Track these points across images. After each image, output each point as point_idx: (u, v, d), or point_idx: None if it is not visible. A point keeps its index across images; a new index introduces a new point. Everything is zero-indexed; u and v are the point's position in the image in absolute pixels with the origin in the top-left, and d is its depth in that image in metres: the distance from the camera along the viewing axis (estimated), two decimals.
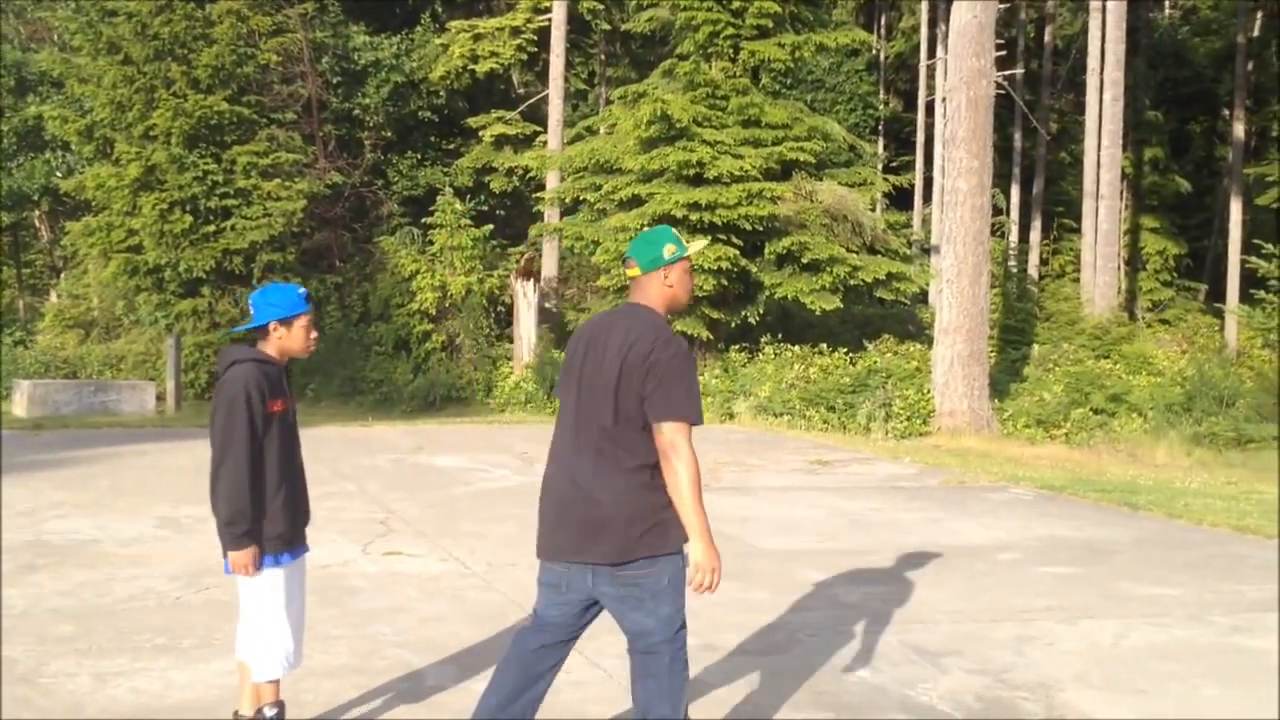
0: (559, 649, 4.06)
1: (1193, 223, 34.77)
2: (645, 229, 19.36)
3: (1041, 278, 32.03)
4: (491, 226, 24.22)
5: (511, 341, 21.62)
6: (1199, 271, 34.50)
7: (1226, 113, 34.94)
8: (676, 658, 3.88)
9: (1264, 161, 33.59)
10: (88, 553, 7.84)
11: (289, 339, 4.27)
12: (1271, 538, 9.46)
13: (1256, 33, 33.80)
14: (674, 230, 4.08)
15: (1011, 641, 6.23)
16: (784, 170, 21.16)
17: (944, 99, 17.55)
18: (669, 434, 3.70)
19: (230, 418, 4.09)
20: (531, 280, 21.18)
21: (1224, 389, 17.16)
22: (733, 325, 20.81)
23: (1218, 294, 31.06)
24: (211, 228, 21.12)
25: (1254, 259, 20.07)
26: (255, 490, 4.10)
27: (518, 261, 22.07)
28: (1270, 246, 19.18)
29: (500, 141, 27.61)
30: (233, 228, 21.17)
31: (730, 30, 21.14)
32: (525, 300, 20.99)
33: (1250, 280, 22.56)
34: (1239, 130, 31.46)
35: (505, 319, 22.32)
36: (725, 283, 19.88)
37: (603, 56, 31.72)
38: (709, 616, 6.50)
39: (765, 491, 11.43)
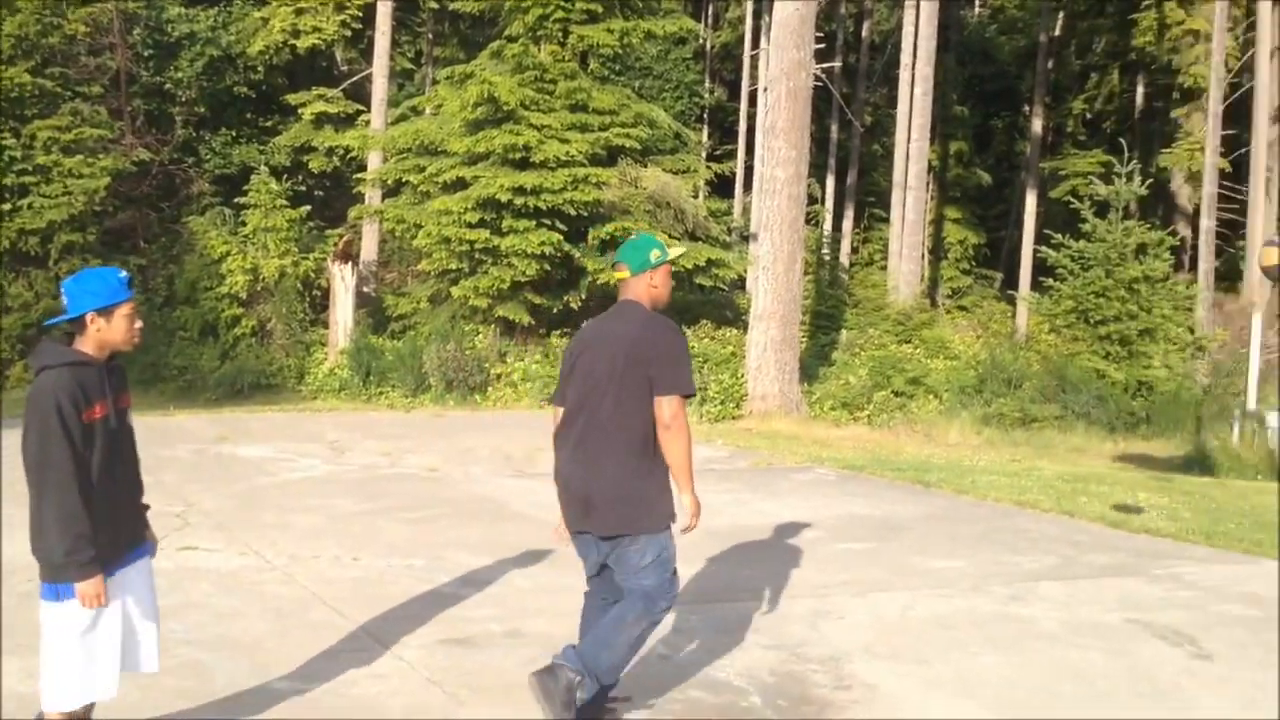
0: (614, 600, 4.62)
1: (992, 214, 36.50)
2: (467, 212, 18.95)
3: (852, 265, 33.13)
4: (309, 208, 23.61)
5: (327, 327, 21.18)
6: (996, 260, 36.23)
7: (1027, 109, 36.72)
8: (645, 616, 4.46)
9: (1059, 156, 35.47)
10: None
11: (108, 331, 3.86)
12: (1048, 511, 10.08)
13: (1057, 32, 35.60)
14: (657, 237, 4.59)
15: (807, 616, 6.49)
16: (610, 156, 21.26)
17: (765, 89, 17.97)
18: (669, 406, 4.31)
19: (43, 440, 3.66)
20: (350, 264, 20.80)
21: (1013, 372, 18.14)
22: (555, 311, 20.86)
23: (1012, 282, 32.67)
24: (7, 206, 20.09)
25: (1045, 249, 21.17)
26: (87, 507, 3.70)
27: (336, 244, 21.62)
28: (1059, 237, 20.27)
29: (321, 120, 26.96)
30: (29, 206, 20.18)
31: (560, 14, 21.12)
32: (343, 284, 20.61)
33: (1040, 269, 23.80)
34: (1037, 126, 33.09)
35: (321, 304, 21.84)
36: (549, 268, 19.92)
37: (430, 35, 31.29)
38: (518, 604, 6.60)
39: None
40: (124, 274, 3.95)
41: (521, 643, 5.87)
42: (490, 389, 19.05)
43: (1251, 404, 14.62)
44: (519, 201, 19.35)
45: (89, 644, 3.86)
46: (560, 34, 21.49)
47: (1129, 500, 10.57)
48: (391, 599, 6.61)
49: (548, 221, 19.65)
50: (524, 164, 19.84)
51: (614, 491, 4.38)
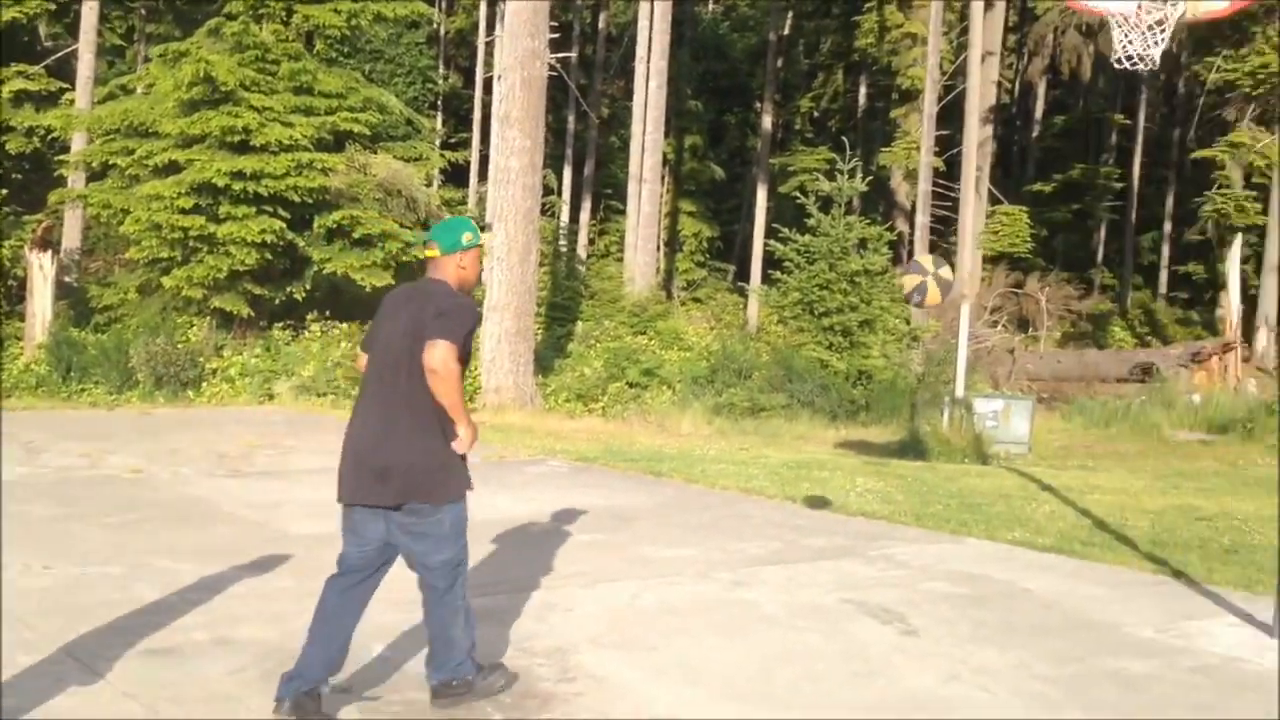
0: (363, 589, 4.69)
1: (725, 207, 37.61)
2: (180, 198, 17.96)
3: (589, 257, 33.38)
4: (5, 192, 21.85)
5: (23, 320, 19.53)
6: (729, 253, 37.35)
7: (758, 105, 37.96)
8: (455, 588, 4.60)
9: (788, 153, 36.88)
10: None
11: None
12: (772, 498, 10.35)
13: (786, 31, 36.94)
14: (470, 220, 4.77)
15: (535, 609, 6.37)
16: (337, 141, 20.64)
17: (499, 77, 17.80)
18: (436, 351, 4.27)
19: None
20: (49, 251, 19.21)
21: (743, 362, 18.65)
22: (277, 302, 20.02)
23: (744, 274, 33.75)
24: None
25: (773, 242, 21.88)
26: None
27: (34, 231, 19.99)
28: (786, 231, 20.97)
29: (20, 98, 24.97)
30: None
31: None
32: (41, 273, 19.04)
33: (770, 262, 24.58)
34: (767, 122, 34.26)
35: (18, 294, 20.16)
36: (270, 257, 19.10)
37: (143, 11, 29.48)
38: (227, 610, 6.19)
39: (302, 474, 11.06)
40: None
41: (229, 651, 5.50)
42: (205, 384, 18.02)
43: (960, 391, 15.52)
44: (238, 187, 18.52)
45: None
46: (284, 13, 20.70)
47: (848, 485, 10.98)
48: (85, 609, 6.07)
49: (269, 208, 18.89)
50: (244, 147, 18.99)
51: (412, 460, 4.43)
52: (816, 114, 40.21)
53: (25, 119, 24.43)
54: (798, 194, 22.35)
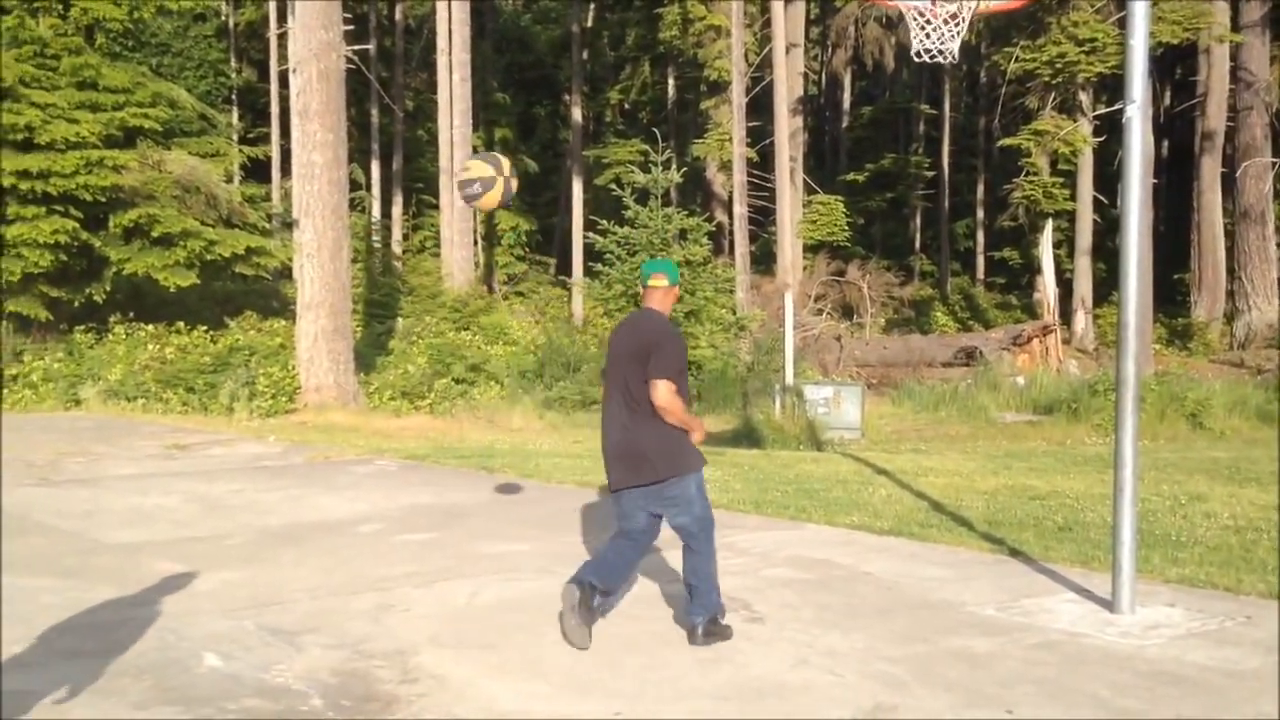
0: (635, 551, 5.82)
1: (542, 200, 37.46)
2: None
3: (405, 252, 32.78)
4: None
5: None
6: (549, 246, 37.24)
7: (567, 97, 37.90)
8: (708, 540, 5.65)
9: (601, 145, 36.96)
10: None
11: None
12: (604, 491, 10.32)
13: (590, 23, 36.97)
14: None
15: (370, 612, 6.19)
16: (128, 138, 19.79)
17: (294, 70, 17.24)
18: (660, 390, 5.46)
19: None
20: None
21: (571, 355, 18.58)
22: (76, 304, 19.04)
23: (565, 267, 33.67)
24: None
25: (593, 234, 21.85)
26: None
27: None
28: (605, 223, 20.96)
29: None
30: None
31: None
32: None
33: (591, 254, 24.56)
34: (578, 114, 34.23)
35: None
36: (66, 258, 18.17)
37: None
38: (44, 622, 5.82)
39: (114, 481, 10.53)
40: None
41: (44, 663, 5.19)
42: (5, 391, 17.05)
43: (789, 379, 15.78)
44: (25, 186, 17.63)
45: None
46: (61, 6, 19.73)
47: None
48: None
49: (60, 208, 18.01)
50: (28, 145, 18.08)
51: (657, 446, 5.53)
52: (627, 106, 40.42)
53: None
54: (613, 186, 22.31)
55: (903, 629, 5.89)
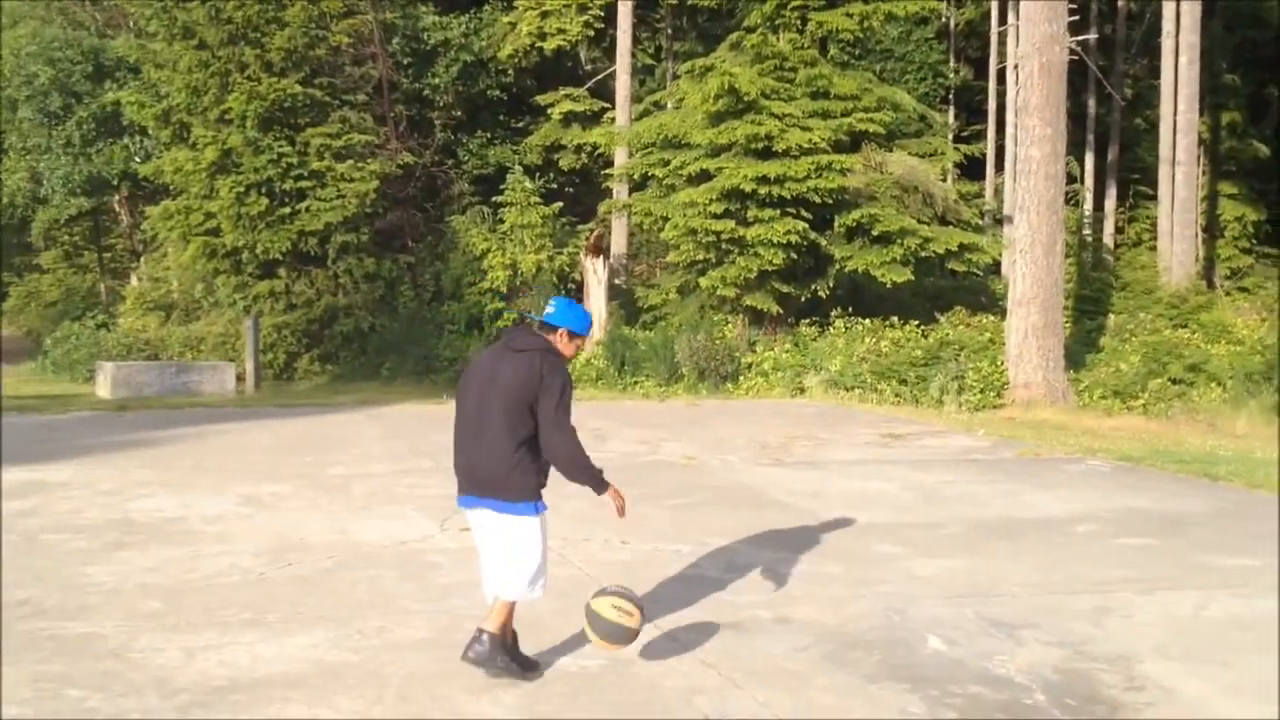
0: None
1: (1273, 188, 33.83)
2: (712, 204, 19.09)
3: (1117, 246, 31.40)
4: (561, 204, 24.33)
5: None
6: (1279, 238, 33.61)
7: None
8: None
9: None
10: (174, 530, 8.06)
11: (564, 346, 5.12)
12: None
13: None
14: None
15: (1089, 613, 6.18)
16: (853, 142, 20.96)
17: (1015, 66, 17.26)
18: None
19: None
20: (601, 257, 21.24)
21: None
22: (803, 299, 20.72)
23: None
24: (287, 210, 21.49)
25: None
26: None
27: (587, 238, 22.12)
28: None
29: (568, 119, 27.65)
30: (308, 209, 21.51)
31: (797, 1, 20.97)
32: (595, 277, 21.07)
33: None
34: None
35: (576, 296, 22.42)
36: (795, 256, 19.79)
37: (669, 31, 31.57)
38: (783, 591, 6.55)
39: (838, 465, 11.41)
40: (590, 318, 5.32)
41: (790, 629, 5.82)
42: (742, 378, 19.12)
43: None
44: (763, 191, 19.32)
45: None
46: (798, 21, 21.35)
47: None
48: (661, 582, 6.67)
49: (792, 210, 19.55)
50: (766, 153, 19.79)
51: None
52: None
53: (574, 137, 27.07)
54: None
55: None
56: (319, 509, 8.82)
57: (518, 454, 4.96)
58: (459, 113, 27.56)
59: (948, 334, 19.05)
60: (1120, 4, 34.24)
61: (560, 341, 5.10)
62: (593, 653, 5.31)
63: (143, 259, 27.93)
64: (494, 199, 24.18)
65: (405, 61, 26.66)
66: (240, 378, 19.55)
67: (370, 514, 8.65)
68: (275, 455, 11.56)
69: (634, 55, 26.94)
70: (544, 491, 5.13)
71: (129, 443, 12.38)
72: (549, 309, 5.14)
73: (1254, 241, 32.14)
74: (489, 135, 28.08)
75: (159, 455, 11.51)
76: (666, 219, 21.01)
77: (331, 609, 6.11)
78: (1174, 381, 17.16)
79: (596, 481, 5.09)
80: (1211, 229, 31.65)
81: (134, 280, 27.76)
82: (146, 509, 8.77)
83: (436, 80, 26.72)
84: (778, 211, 19.51)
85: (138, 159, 25.02)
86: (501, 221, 23.08)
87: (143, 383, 18.44)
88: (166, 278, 25.10)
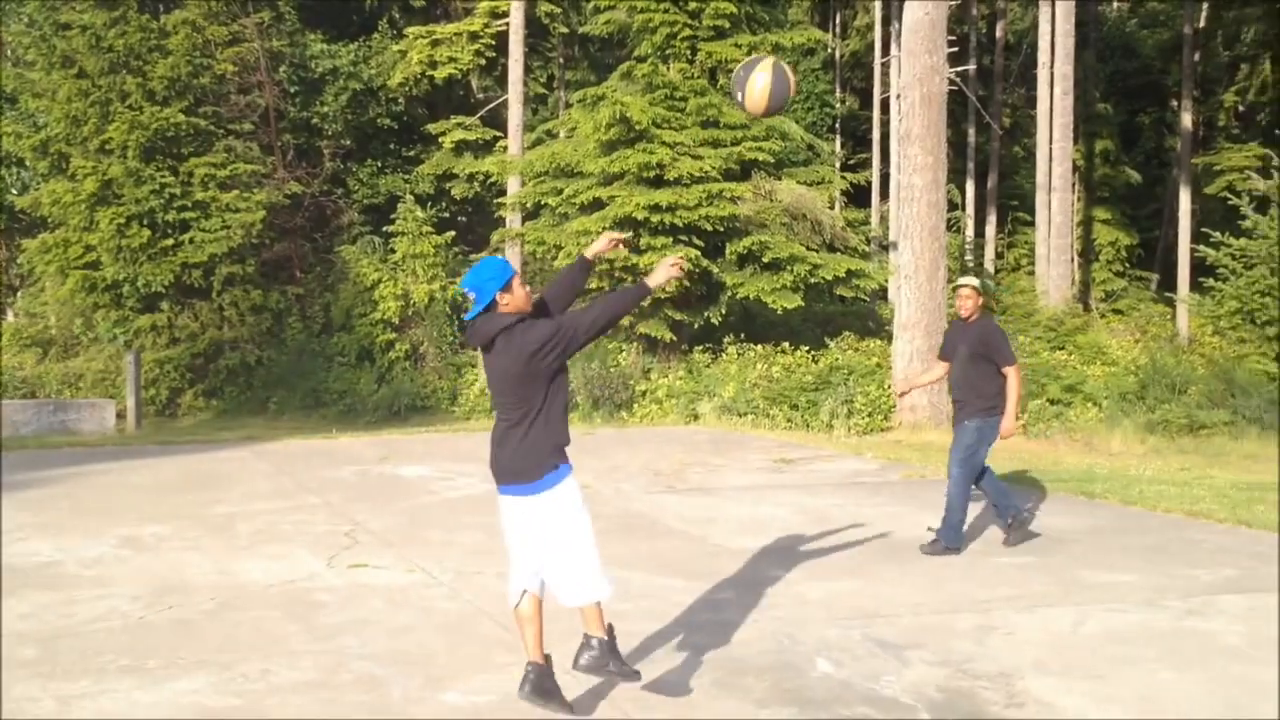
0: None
1: (1144, 213, 35.18)
2: (606, 232, 19.14)
3: (998, 271, 32.32)
4: (454, 233, 24.17)
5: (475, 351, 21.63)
6: (1150, 261, 34.91)
7: (1175, 103, 35.38)
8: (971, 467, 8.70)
9: (1212, 151, 34.08)
10: (49, 574, 7.81)
11: (514, 301, 4.73)
12: (1223, 522, 9.64)
13: (1202, 23, 34.26)
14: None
15: (972, 632, 6.34)
16: (743, 170, 21.26)
17: (898, 96, 17.68)
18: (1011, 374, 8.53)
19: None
20: None
21: (1176, 376, 17.37)
22: (695, 326, 20.89)
23: (1169, 283, 31.46)
24: (170, 241, 21.00)
25: (1203, 247, 20.34)
26: None
27: None
28: (1218, 235, 19.42)
29: (461, 147, 27.49)
30: (191, 240, 21.05)
31: (687, 31, 21.23)
32: None
33: (1200, 269, 22.84)
34: (1187, 120, 31.86)
35: None
36: (688, 284, 19.96)
37: (561, 60, 31.68)
38: (675, 617, 6.59)
39: (730, 491, 11.52)
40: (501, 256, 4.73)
41: (682, 657, 5.87)
42: (636, 406, 19.18)
43: None
44: (655, 219, 19.47)
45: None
46: (688, 51, 21.61)
47: None
48: (554, 614, 6.63)
49: (685, 238, 19.73)
50: (658, 182, 19.97)
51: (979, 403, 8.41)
52: (1242, 108, 36.83)
53: (466, 166, 26.91)
54: (1227, 194, 20.51)
55: None
56: (201, 549, 8.62)
57: (530, 434, 4.77)
58: (348, 141, 27.26)
59: (837, 359, 19.38)
60: (998, 36, 35.36)
61: (507, 306, 4.74)
62: (482, 687, 5.28)
63: (19, 294, 27.03)
64: (385, 229, 23.95)
65: (293, 90, 26.30)
66: (121, 415, 19.01)
67: (255, 553, 8.48)
68: (157, 495, 11.26)
69: (526, 84, 26.94)
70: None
71: (4, 485, 11.95)
72: (468, 298, 4.77)
73: (1127, 265, 33.38)
74: (379, 164, 27.81)
75: (35, 497, 11.13)
76: (560, 248, 21.04)
77: (213, 652, 5.98)
78: (1052, 402, 17.67)
79: (640, 291, 5.00)
80: (1086, 253, 32.79)
81: (10, 316, 26.83)
82: (21, 553, 8.48)
83: (325, 109, 26.39)
84: (670, 239, 19.67)
85: (14, 190, 24.26)
86: (393, 251, 22.86)
87: (19, 421, 17.84)
88: (44, 313, 24.30)
